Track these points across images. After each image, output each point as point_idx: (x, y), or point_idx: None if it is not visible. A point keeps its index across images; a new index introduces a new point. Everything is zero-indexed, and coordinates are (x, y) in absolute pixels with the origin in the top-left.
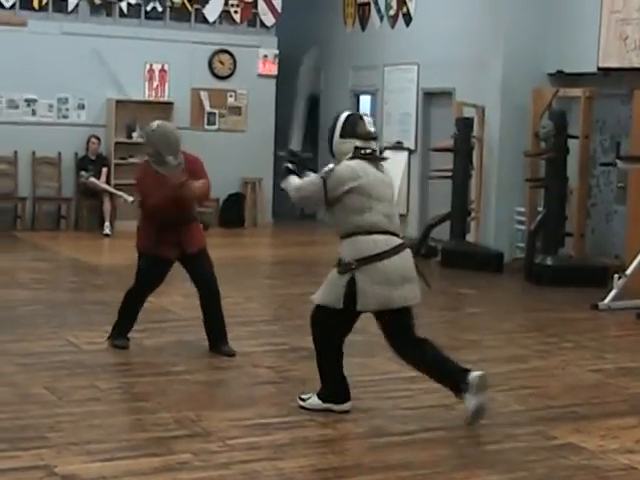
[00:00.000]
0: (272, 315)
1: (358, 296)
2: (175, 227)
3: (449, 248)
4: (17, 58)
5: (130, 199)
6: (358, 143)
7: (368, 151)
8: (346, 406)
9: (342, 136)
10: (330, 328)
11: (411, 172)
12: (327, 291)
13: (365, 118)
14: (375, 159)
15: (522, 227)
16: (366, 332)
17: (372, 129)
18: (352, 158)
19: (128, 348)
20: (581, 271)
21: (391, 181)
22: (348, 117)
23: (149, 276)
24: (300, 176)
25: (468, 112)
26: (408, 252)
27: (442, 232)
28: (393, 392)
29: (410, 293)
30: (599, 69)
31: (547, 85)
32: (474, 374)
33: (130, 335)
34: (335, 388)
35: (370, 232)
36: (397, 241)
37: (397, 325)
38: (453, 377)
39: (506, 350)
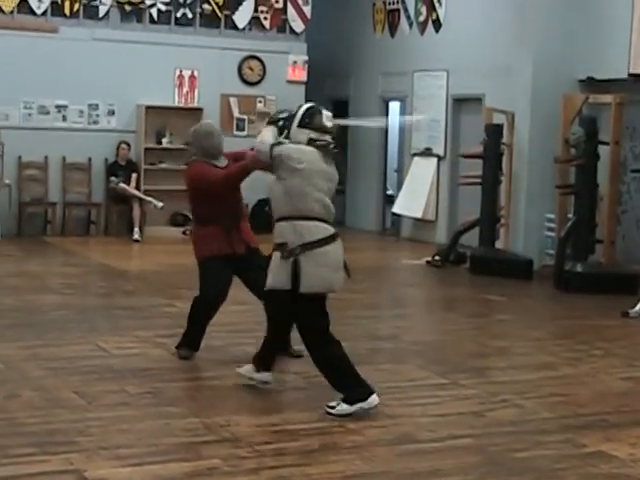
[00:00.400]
0: None
1: (302, 278)
2: (236, 224)
3: (478, 254)
4: (48, 64)
5: (160, 205)
6: (313, 135)
7: (322, 143)
8: (374, 399)
9: (299, 126)
10: (311, 318)
11: (440, 178)
12: (275, 275)
13: (324, 112)
14: (326, 151)
15: (552, 234)
16: (395, 339)
17: (329, 124)
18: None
19: (190, 359)
20: (611, 278)
21: (333, 176)
22: (308, 109)
23: (220, 281)
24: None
25: (498, 118)
26: (340, 241)
27: (471, 238)
28: (421, 399)
29: (342, 279)
30: (630, 75)
31: (577, 91)
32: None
33: (159, 340)
34: (356, 386)
35: (309, 218)
36: (333, 229)
37: (323, 309)
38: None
39: (535, 357)
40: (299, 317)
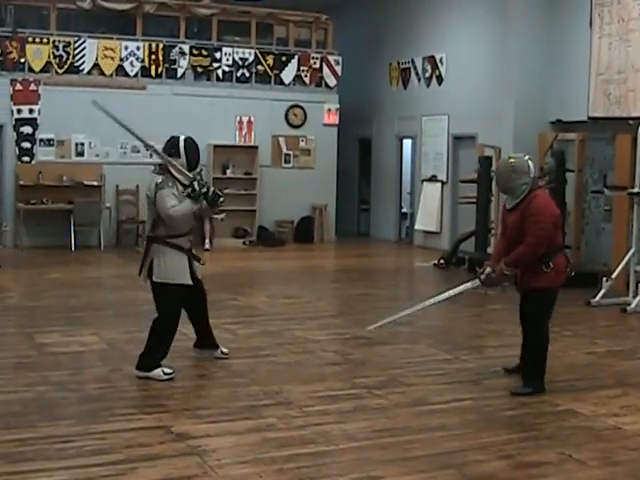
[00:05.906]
0: (337, 311)
1: None
2: None
3: (474, 258)
4: (139, 114)
5: (220, 217)
6: None
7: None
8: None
9: None
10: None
11: (444, 199)
12: None
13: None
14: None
15: None
16: (411, 324)
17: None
18: None
19: None
20: (577, 275)
21: (149, 193)
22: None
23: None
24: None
25: (488, 152)
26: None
27: (468, 246)
28: (432, 370)
29: None
30: (589, 118)
31: (549, 130)
32: None
33: (227, 327)
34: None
35: None
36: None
37: None
38: None
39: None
40: None
